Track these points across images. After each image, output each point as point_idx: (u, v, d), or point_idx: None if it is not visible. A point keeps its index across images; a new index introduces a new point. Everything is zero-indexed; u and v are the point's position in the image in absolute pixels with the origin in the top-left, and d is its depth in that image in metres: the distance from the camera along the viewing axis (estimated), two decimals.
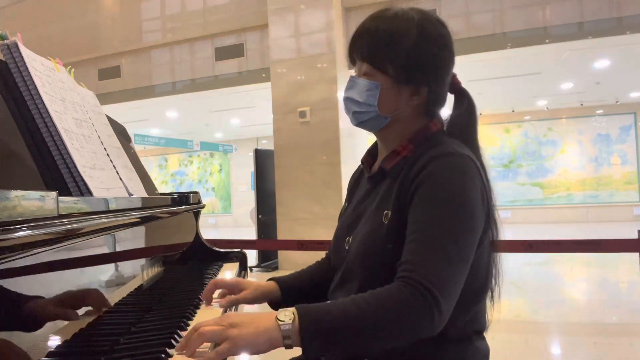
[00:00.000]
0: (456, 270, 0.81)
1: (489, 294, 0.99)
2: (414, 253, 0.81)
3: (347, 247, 1.02)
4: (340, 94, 5.94)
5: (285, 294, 1.13)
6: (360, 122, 1.01)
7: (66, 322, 0.74)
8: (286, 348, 0.74)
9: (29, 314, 0.64)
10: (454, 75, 1.03)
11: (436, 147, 0.91)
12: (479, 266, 0.91)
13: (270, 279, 1.15)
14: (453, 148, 0.90)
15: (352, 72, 1.04)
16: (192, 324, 0.98)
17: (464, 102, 1.01)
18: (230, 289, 1.11)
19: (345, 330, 0.74)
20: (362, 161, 1.11)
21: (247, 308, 1.30)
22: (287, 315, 0.74)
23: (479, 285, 0.94)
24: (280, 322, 0.73)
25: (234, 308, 1.15)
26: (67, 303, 0.75)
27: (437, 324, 0.77)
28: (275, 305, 1.13)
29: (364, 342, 0.75)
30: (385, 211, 0.93)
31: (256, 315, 0.76)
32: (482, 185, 0.90)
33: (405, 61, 0.95)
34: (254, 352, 0.73)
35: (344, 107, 1.03)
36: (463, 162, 0.88)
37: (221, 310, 1.09)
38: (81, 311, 0.80)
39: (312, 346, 0.73)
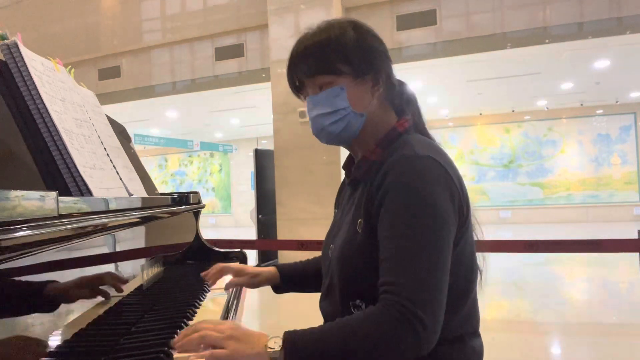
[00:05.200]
0: (434, 280, 0.79)
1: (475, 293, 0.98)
2: (390, 272, 0.80)
3: (329, 255, 1.03)
4: None
5: (284, 281, 1.24)
6: (338, 133, 0.97)
7: (66, 322, 0.74)
8: None
9: (29, 313, 0.64)
10: None
11: (398, 151, 0.90)
12: (459, 267, 0.90)
13: (274, 265, 1.26)
14: (413, 150, 0.88)
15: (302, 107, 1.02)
16: (192, 323, 0.99)
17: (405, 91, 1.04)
18: (235, 273, 1.23)
19: (328, 357, 0.76)
20: (344, 167, 1.11)
21: (249, 292, 1.36)
22: (277, 342, 0.77)
23: (463, 286, 0.92)
24: (269, 350, 0.77)
25: (235, 306, 1.18)
26: (67, 301, 0.75)
27: (424, 342, 0.77)
28: (277, 289, 1.26)
29: None
30: (359, 220, 0.93)
31: (251, 334, 0.79)
32: (451, 183, 0.88)
33: (354, 54, 0.95)
34: None
35: (314, 130, 1.00)
36: (423, 165, 0.86)
37: (223, 304, 1.16)
38: (81, 310, 0.80)
39: None
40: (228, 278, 1.26)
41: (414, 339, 0.76)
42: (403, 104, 1.04)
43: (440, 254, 0.82)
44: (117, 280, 0.97)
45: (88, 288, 0.83)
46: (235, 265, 1.26)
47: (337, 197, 1.18)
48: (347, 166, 1.10)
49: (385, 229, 0.85)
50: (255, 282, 1.23)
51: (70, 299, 0.76)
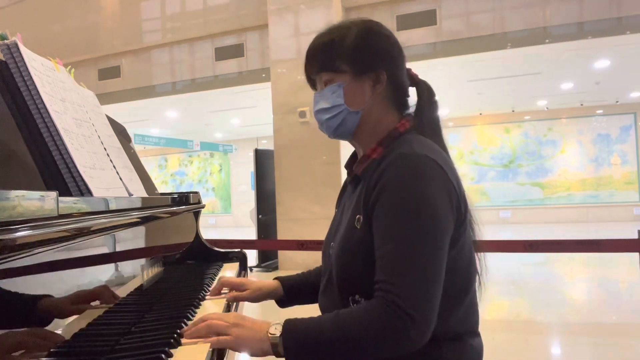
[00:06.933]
0: (427, 279, 0.81)
1: (476, 292, 0.99)
2: (384, 270, 0.83)
3: (330, 252, 1.03)
4: None
5: (288, 293, 1.22)
6: (335, 128, 1.02)
7: (66, 322, 0.74)
8: (276, 357, 0.84)
9: (29, 314, 0.64)
10: (409, 69, 1.06)
11: (396, 150, 0.92)
12: (457, 266, 0.91)
13: (275, 278, 1.24)
14: (411, 149, 0.90)
15: None
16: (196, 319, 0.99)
17: (424, 91, 1.05)
18: (236, 288, 1.21)
19: (323, 347, 0.82)
20: (346, 166, 1.12)
21: (248, 306, 1.35)
22: (277, 329, 0.84)
23: (461, 285, 0.93)
24: (270, 336, 0.83)
25: (236, 304, 1.21)
26: (67, 302, 0.75)
27: (415, 338, 0.80)
28: (281, 302, 1.24)
29: (340, 358, 0.82)
30: (358, 216, 0.94)
31: (255, 322, 0.87)
32: (448, 182, 0.88)
33: (354, 52, 0.99)
34: (249, 353, 0.85)
35: (318, 125, 1.06)
36: (419, 163, 0.87)
37: (224, 304, 1.16)
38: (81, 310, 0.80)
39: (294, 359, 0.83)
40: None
41: (403, 334, 0.79)
42: (407, 103, 1.05)
43: (433, 252, 0.83)
44: (113, 295, 0.97)
45: (85, 302, 0.83)
46: (237, 279, 1.23)
47: (338, 197, 1.18)
48: (349, 165, 1.11)
49: (380, 226, 0.87)
50: (257, 296, 1.20)
51: (67, 314, 0.76)
